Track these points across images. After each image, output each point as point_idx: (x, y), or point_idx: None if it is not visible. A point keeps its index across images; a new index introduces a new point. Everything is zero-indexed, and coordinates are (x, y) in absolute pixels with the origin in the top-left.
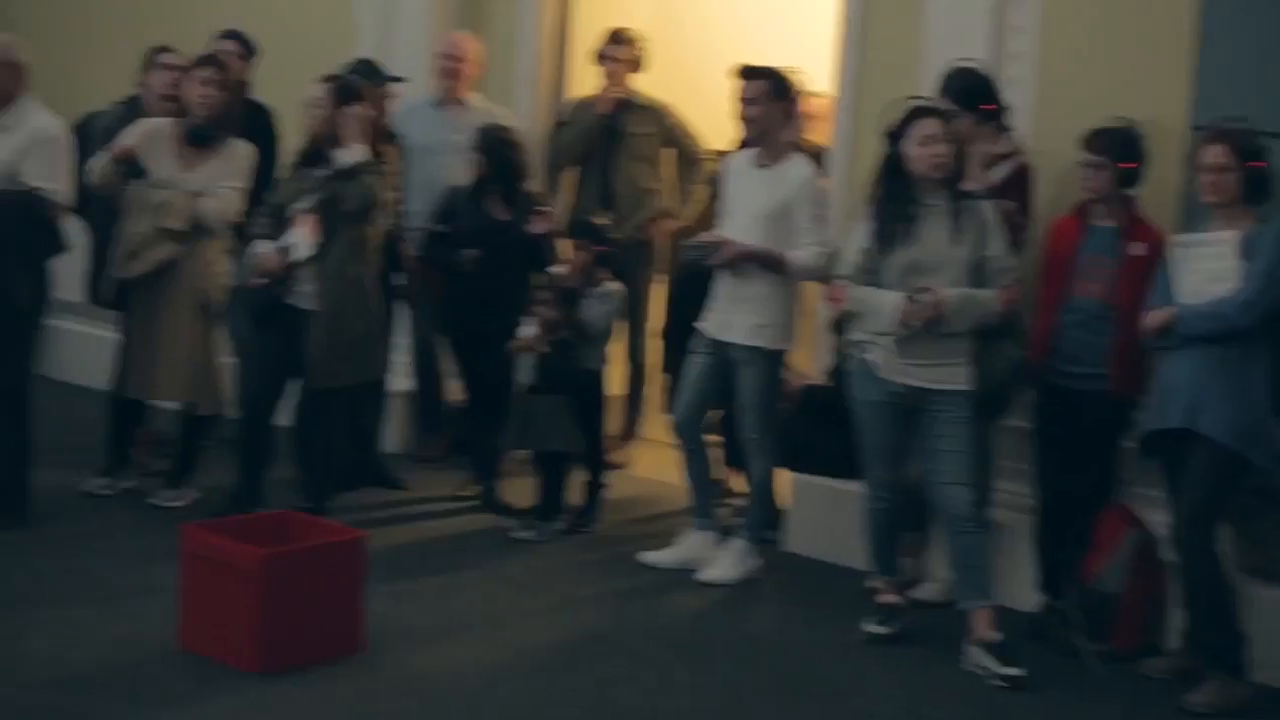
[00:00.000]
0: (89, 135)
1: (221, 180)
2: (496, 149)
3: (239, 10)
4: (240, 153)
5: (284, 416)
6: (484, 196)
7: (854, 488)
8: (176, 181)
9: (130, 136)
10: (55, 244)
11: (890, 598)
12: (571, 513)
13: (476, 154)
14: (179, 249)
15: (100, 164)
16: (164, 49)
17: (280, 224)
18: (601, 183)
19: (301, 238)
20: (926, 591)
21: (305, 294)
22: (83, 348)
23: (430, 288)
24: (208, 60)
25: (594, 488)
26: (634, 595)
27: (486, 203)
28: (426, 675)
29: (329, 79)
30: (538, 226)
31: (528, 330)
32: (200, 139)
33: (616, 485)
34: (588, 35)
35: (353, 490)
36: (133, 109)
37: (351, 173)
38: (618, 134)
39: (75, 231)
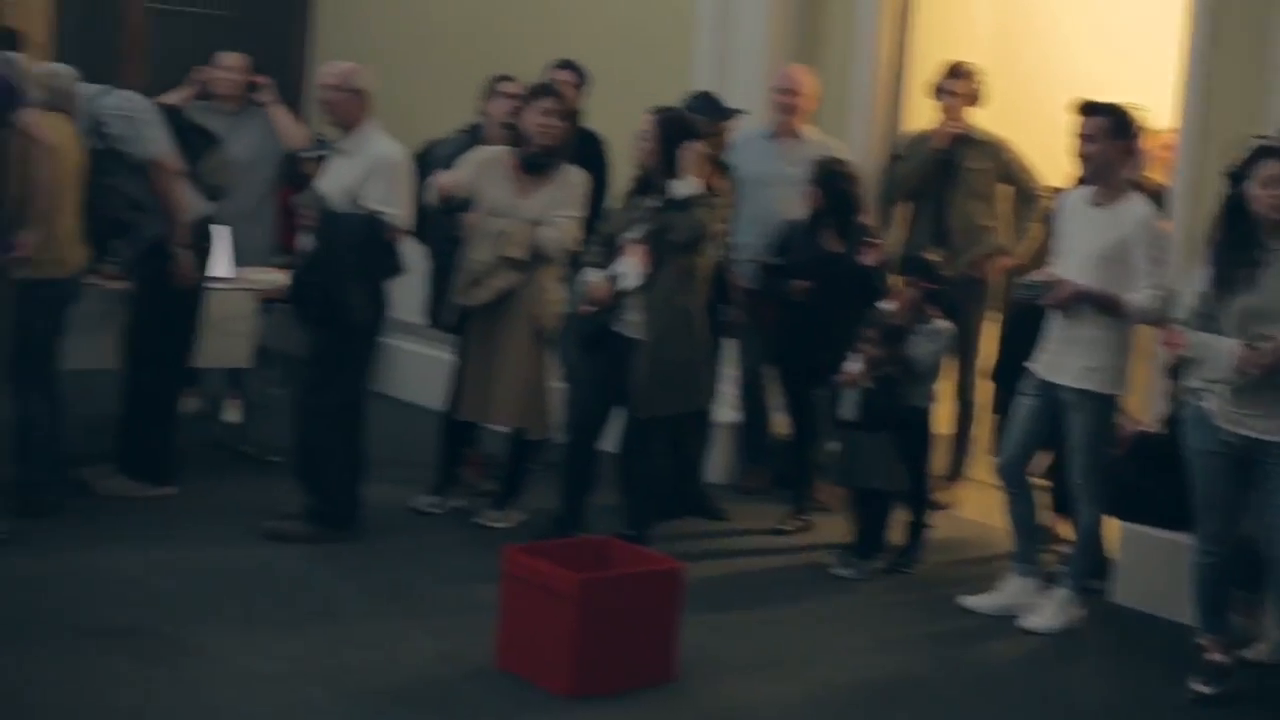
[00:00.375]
0: (431, 163)
1: (556, 208)
2: (832, 181)
3: (576, 40)
4: (574, 180)
5: (610, 442)
6: (818, 229)
7: (1185, 539)
8: (512, 209)
9: (465, 167)
10: (393, 266)
11: (1218, 657)
12: (892, 552)
13: (812, 186)
14: (519, 277)
15: (432, 190)
16: (504, 77)
17: (611, 252)
18: (935, 218)
19: (631, 267)
20: (1259, 652)
21: (632, 323)
22: (418, 367)
23: (762, 319)
24: (547, 90)
25: (916, 527)
26: (950, 639)
27: (821, 235)
28: (735, 707)
29: (659, 110)
30: (868, 257)
31: (853, 365)
32: (535, 167)
33: (940, 526)
34: (925, 68)
35: (674, 519)
36: (474, 137)
37: (684, 204)
38: (953, 169)
39: (414, 255)
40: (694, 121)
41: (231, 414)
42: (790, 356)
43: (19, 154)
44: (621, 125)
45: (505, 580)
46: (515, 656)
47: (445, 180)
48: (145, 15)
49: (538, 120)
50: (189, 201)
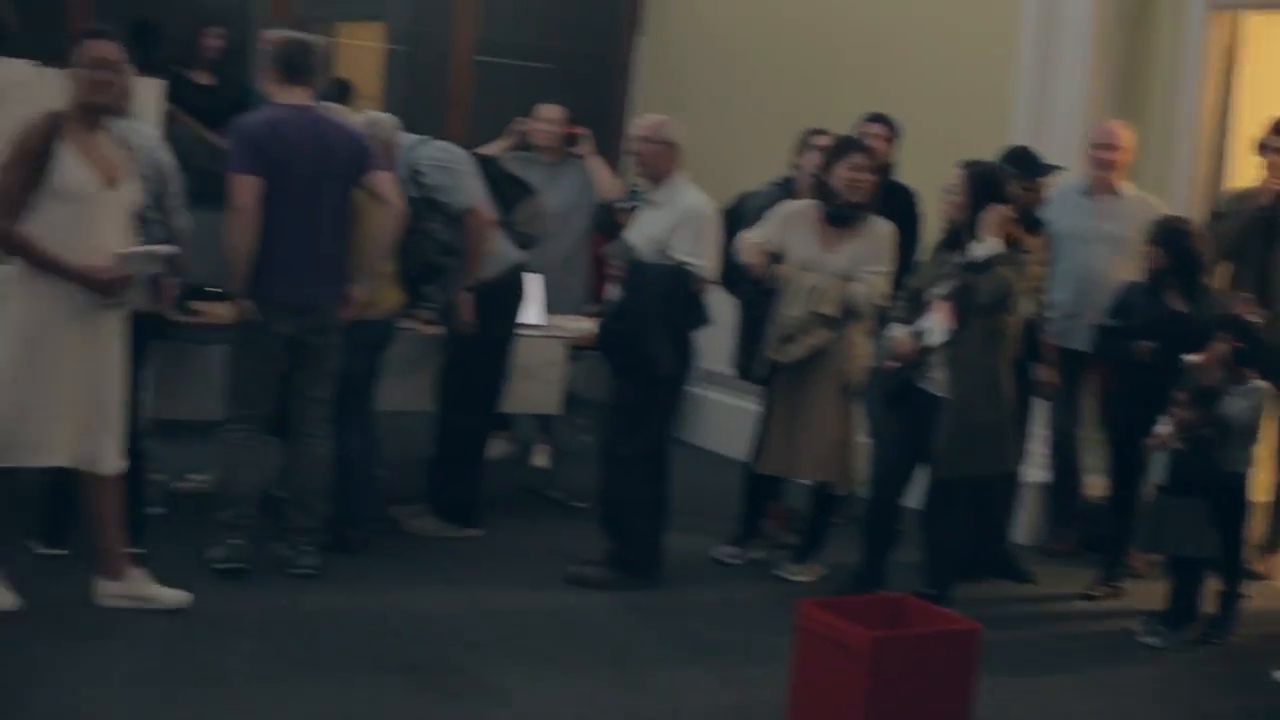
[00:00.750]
0: (742, 216)
1: (863, 262)
2: (1175, 240)
3: (894, 92)
4: (880, 232)
5: (914, 499)
6: (1161, 289)
7: None
8: (819, 263)
9: (770, 221)
10: (699, 316)
11: None
12: (1204, 622)
13: (1153, 246)
14: (831, 335)
15: (740, 249)
16: (818, 131)
17: (917, 307)
18: (1258, 277)
19: (936, 323)
20: None
21: (937, 380)
22: (724, 417)
23: (1096, 382)
24: (856, 145)
25: (1230, 597)
26: (1261, 715)
27: (1164, 295)
28: None
29: (969, 164)
30: (1246, 311)
31: (1163, 427)
32: (840, 220)
33: (1256, 596)
34: (1251, 124)
35: (977, 580)
36: (786, 189)
37: (984, 265)
38: (1278, 228)
39: (722, 306)
40: (1004, 178)
41: (540, 459)
42: (1127, 419)
43: (359, 210)
44: (937, 178)
45: (799, 634)
46: (806, 711)
47: (748, 255)
48: (469, 67)
49: (846, 175)
50: (500, 251)
